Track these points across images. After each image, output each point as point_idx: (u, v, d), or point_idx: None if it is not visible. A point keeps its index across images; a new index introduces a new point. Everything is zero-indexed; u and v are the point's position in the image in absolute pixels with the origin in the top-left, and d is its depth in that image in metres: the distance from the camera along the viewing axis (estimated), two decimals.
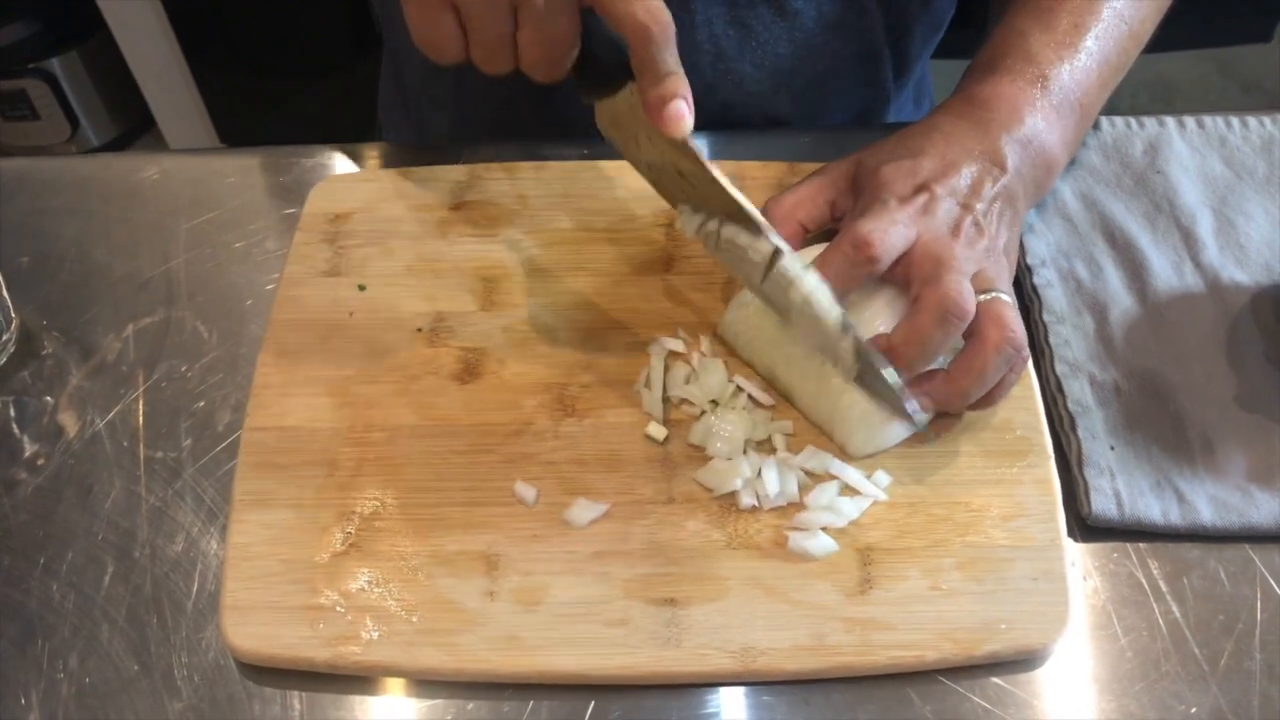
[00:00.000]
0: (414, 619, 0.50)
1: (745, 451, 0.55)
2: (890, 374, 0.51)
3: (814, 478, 0.54)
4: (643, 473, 0.54)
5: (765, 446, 0.55)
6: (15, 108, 1.82)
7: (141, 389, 0.60)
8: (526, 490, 0.54)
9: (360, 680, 0.50)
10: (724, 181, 0.51)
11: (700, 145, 0.51)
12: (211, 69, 1.71)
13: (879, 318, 0.53)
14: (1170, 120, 0.71)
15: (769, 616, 0.50)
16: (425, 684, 0.50)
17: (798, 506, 0.53)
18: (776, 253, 0.51)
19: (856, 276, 0.51)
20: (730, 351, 0.59)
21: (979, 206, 0.54)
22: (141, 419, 0.59)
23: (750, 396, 0.57)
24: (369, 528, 0.53)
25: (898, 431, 0.54)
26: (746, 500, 0.53)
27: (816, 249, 0.54)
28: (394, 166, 0.70)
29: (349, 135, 0.75)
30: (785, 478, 0.53)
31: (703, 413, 0.56)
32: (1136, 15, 0.62)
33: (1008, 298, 0.52)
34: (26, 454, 0.58)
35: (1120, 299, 0.62)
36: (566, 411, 0.57)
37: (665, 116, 0.48)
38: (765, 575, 0.51)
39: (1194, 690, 0.49)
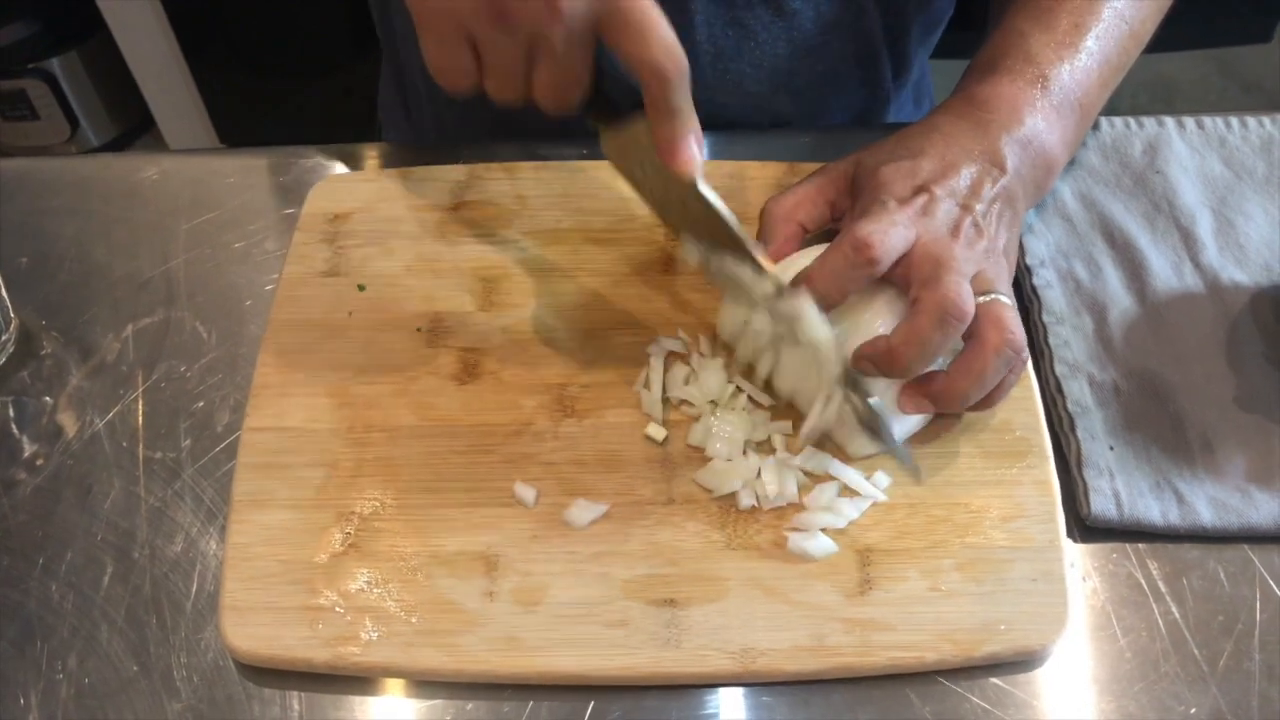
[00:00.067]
0: (413, 619, 0.50)
1: (745, 452, 0.55)
2: (891, 426, 0.52)
3: (813, 478, 0.54)
4: (642, 473, 0.54)
5: (765, 447, 0.55)
6: (15, 108, 1.82)
7: (141, 389, 0.60)
8: (526, 491, 0.54)
9: (360, 681, 0.50)
10: (729, 219, 0.53)
11: (710, 190, 0.52)
12: (211, 69, 1.71)
13: (878, 319, 0.53)
14: (1170, 120, 0.71)
15: (769, 617, 0.50)
16: (425, 685, 0.50)
17: (797, 507, 0.53)
18: (779, 290, 0.52)
19: (856, 278, 0.51)
20: (730, 352, 0.59)
21: (978, 207, 0.54)
22: (141, 419, 0.59)
23: (749, 397, 0.57)
24: (368, 528, 0.53)
25: (897, 433, 0.54)
26: (746, 501, 0.53)
27: (817, 249, 0.54)
28: (394, 166, 0.70)
29: (349, 135, 0.75)
30: (785, 478, 0.53)
31: (702, 414, 0.56)
32: (1137, 15, 0.62)
33: (1007, 299, 0.52)
34: (26, 454, 0.58)
35: (1119, 299, 0.62)
36: (566, 412, 0.57)
37: (677, 156, 0.49)
38: (765, 576, 0.51)
39: (1193, 691, 0.49)
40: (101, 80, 1.86)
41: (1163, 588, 0.52)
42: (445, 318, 0.61)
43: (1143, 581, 0.53)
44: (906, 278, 0.51)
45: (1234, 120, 0.71)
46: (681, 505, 0.53)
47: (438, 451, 0.55)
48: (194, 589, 0.53)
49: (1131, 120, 0.70)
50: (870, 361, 0.51)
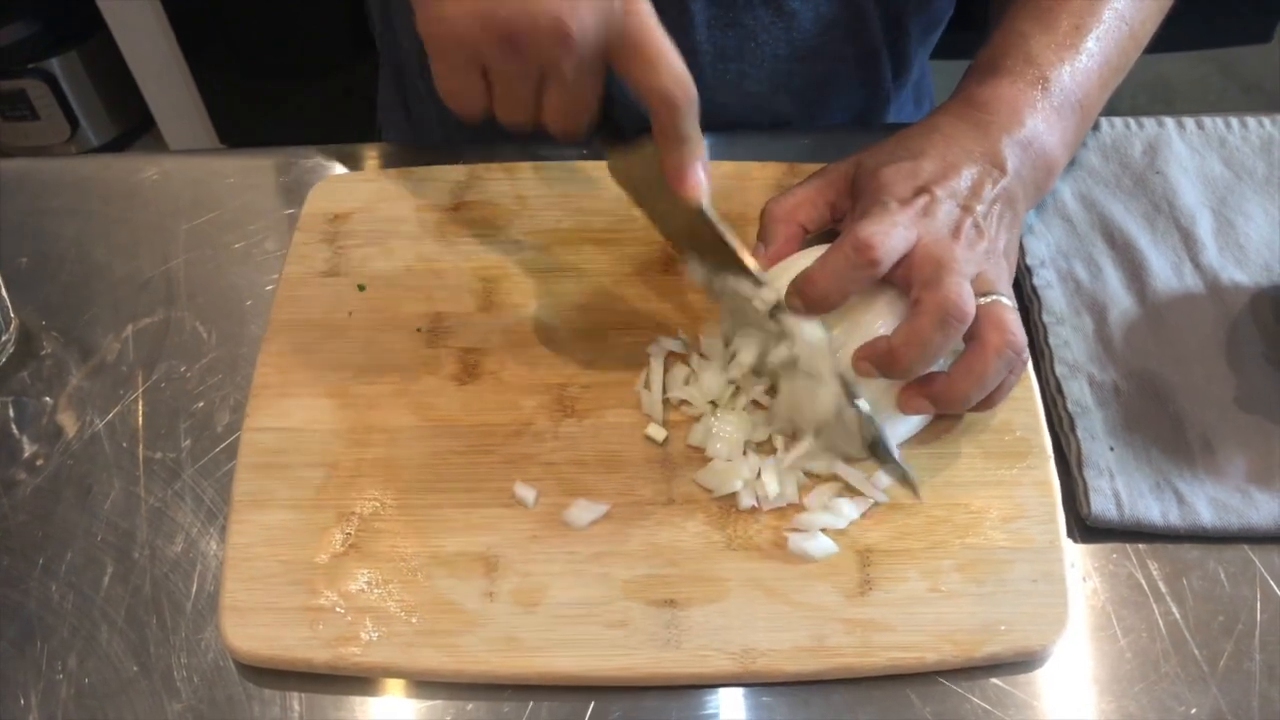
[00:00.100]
0: (413, 620, 0.50)
1: (745, 452, 0.55)
2: (896, 453, 0.53)
3: (814, 479, 0.54)
4: (642, 474, 0.54)
5: (765, 447, 0.55)
6: (15, 108, 1.82)
7: (141, 389, 0.60)
8: (526, 491, 0.54)
9: (360, 681, 0.50)
10: (735, 244, 0.53)
11: (716, 216, 0.53)
12: (211, 69, 1.71)
13: (879, 320, 0.53)
14: (1170, 121, 0.71)
15: (769, 618, 0.50)
16: (425, 685, 0.50)
17: (797, 508, 0.53)
18: (778, 306, 0.53)
19: (858, 279, 0.51)
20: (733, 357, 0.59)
21: (979, 208, 0.54)
22: (141, 419, 0.59)
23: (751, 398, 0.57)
24: (368, 528, 0.53)
25: (898, 433, 0.54)
26: (746, 501, 0.53)
27: (817, 250, 0.54)
28: (394, 166, 0.70)
29: (349, 135, 0.75)
30: (785, 479, 0.53)
31: (702, 414, 0.56)
32: (1137, 16, 0.62)
33: (1008, 301, 0.52)
34: (26, 454, 0.58)
35: (1120, 300, 0.62)
36: (566, 412, 0.57)
37: (685, 182, 0.51)
38: (765, 576, 0.51)
39: (1194, 691, 0.49)
40: (101, 80, 1.86)
41: (1163, 588, 0.52)
42: (445, 318, 0.61)
43: (1143, 582, 0.53)
44: (907, 279, 0.51)
45: (1234, 121, 0.71)
46: (682, 506, 0.53)
47: (438, 452, 0.55)
48: (194, 589, 0.53)
49: (1132, 121, 0.70)
50: (871, 362, 0.51)
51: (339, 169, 0.71)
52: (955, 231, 0.53)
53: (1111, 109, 0.66)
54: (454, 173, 0.68)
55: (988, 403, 0.53)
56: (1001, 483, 0.54)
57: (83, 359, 0.61)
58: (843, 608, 0.50)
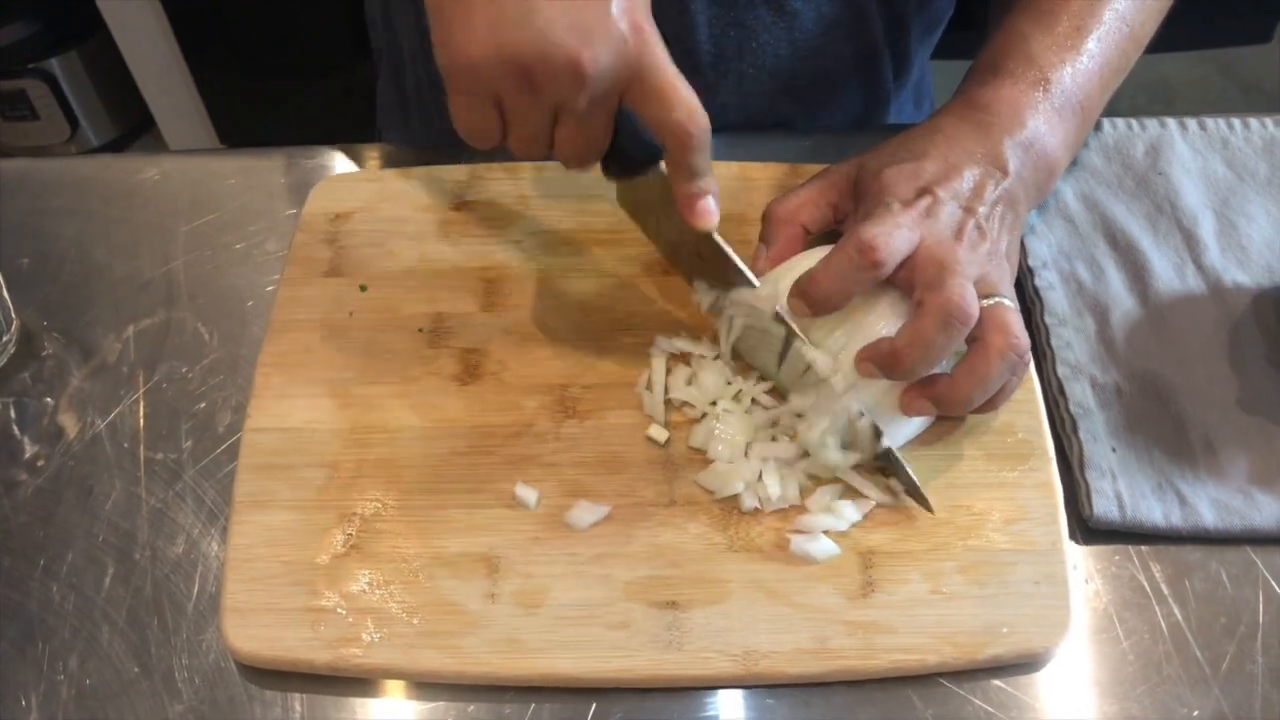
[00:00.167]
0: (415, 621, 0.50)
1: (746, 454, 0.55)
2: (907, 467, 0.52)
3: (816, 480, 0.54)
4: (644, 475, 0.54)
5: (770, 445, 0.55)
6: (15, 108, 1.82)
7: (142, 390, 0.60)
8: (527, 492, 0.53)
9: (361, 682, 0.50)
10: (744, 270, 0.54)
11: (722, 240, 0.53)
12: (211, 69, 1.71)
13: (881, 321, 0.53)
14: (1172, 122, 0.71)
15: (771, 619, 0.50)
16: (426, 686, 0.50)
17: (799, 509, 0.53)
18: (790, 334, 0.53)
19: (861, 281, 0.51)
20: (732, 353, 0.59)
21: (981, 210, 0.54)
22: (142, 420, 0.59)
23: (752, 399, 0.57)
24: (370, 529, 0.53)
25: (900, 434, 0.54)
26: (748, 503, 0.53)
27: (819, 251, 0.54)
28: (394, 166, 0.70)
29: (349, 135, 0.74)
30: (787, 480, 0.53)
31: (704, 415, 0.56)
32: (1138, 17, 0.62)
33: (1010, 302, 0.52)
34: (27, 455, 0.58)
35: (1122, 301, 0.62)
36: (568, 413, 0.57)
37: (696, 213, 0.52)
38: (767, 578, 0.51)
39: (1196, 693, 0.49)
40: (101, 80, 1.86)
41: (1165, 590, 0.52)
42: (447, 318, 0.61)
43: (1145, 583, 0.53)
44: (910, 280, 0.51)
45: (1236, 122, 0.71)
46: (683, 507, 0.53)
47: (439, 452, 0.55)
48: (195, 590, 0.53)
49: (1134, 121, 0.70)
50: (874, 363, 0.51)
51: (339, 169, 0.71)
52: (958, 233, 0.53)
53: (1111, 109, 0.66)
54: (455, 173, 0.68)
55: (990, 405, 0.53)
56: (1004, 485, 0.54)
57: (84, 360, 0.61)
58: (845, 609, 0.50)
